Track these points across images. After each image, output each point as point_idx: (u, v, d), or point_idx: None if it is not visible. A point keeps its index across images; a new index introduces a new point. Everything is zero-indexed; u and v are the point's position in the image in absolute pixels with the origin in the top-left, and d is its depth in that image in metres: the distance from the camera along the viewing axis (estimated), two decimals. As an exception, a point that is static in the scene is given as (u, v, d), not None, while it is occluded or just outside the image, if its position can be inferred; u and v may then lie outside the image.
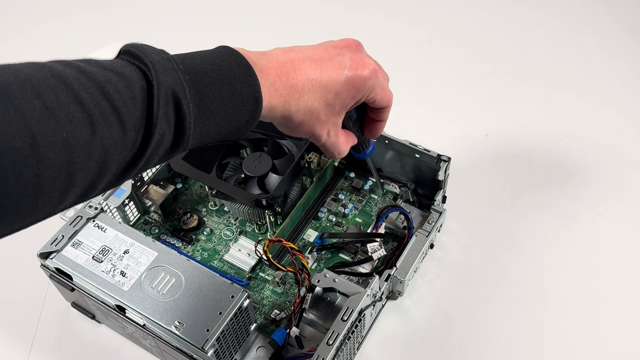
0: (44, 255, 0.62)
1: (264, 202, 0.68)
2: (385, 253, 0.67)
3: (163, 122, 0.39)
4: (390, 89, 0.55)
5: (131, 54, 0.40)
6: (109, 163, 0.37)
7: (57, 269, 0.61)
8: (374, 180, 0.76)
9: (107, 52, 0.41)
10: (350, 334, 0.58)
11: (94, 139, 0.35)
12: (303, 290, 0.63)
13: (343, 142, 0.55)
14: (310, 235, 0.73)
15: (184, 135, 0.40)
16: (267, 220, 0.71)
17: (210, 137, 0.43)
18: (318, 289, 0.62)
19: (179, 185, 0.77)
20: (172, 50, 0.43)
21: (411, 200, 0.74)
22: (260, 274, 0.70)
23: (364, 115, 0.57)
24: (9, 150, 0.31)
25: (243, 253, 0.71)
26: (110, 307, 0.59)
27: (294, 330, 0.61)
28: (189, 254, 0.71)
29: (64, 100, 0.34)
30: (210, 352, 0.56)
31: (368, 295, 0.60)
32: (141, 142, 0.38)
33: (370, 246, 0.67)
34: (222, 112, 0.43)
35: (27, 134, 0.32)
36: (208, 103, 0.42)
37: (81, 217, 0.64)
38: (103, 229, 0.63)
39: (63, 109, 0.34)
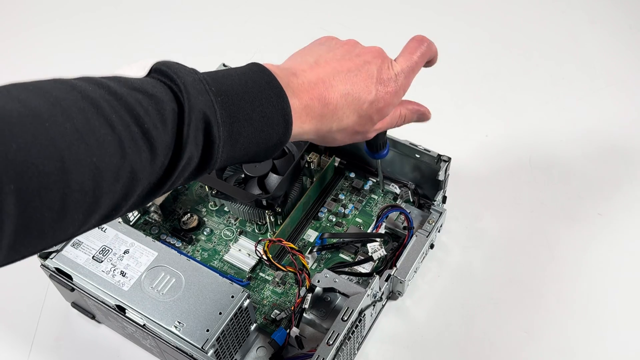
0: (44, 255, 0.62)
1: (264, 202, 0.68)
2: (385, 253, 0.67)
3: (192, 146, 0.38)
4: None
5: (163, 73, 0.39)
6: (136, 186, 0.36)
7: (57, 269, 0.61)
8: (377, 180, 0.76)
9: (138, 69, 0.40)
10: (350, 334, 0.58)
11: (123, 163, 0.34)
12: (303, 290, 0.63)
13: (393, 116, 0.55)
14: (310, 235, 0.73)
15: (212, 158, 0.40)
16: (267, 220, 0.71)
17: (237, 158, 0.43)
18: (318, 289, 0.62)
19: (179, 186, 0.77)
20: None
21: (411, 200, 0.74)
22: (260, 274, 0.70)
23: None
24: (38, 175, 0.30)
25: (243, 253, 0.71)
26: (110, 307, 0.59)
27: (294, 331, 0.61)
28: (189, 254, 0.71)
29: (95, 123, 0.33)
30: (211, 352, 0.56)
31: (368, 295, 0.60)
32: (168, 165, 0.38)
33: (370, 246, 0.67)
34: (251, 135, 0.42)
35: (57, 158, 0.31)
36: (238, 126, 0.41)
37: (81, 217, 0.64)
38: (103, 229, 0.63)
39: (94, 133, 0.33)
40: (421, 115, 0.61)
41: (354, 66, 0.50)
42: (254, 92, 0.42)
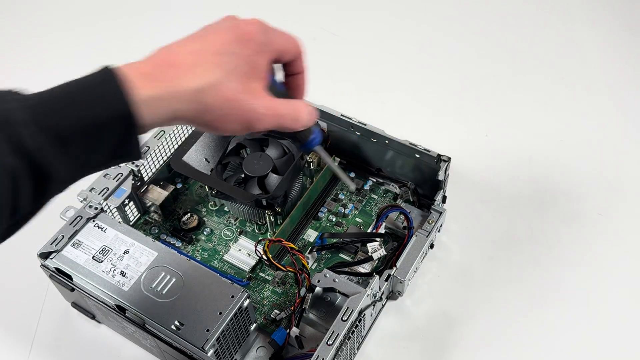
0: (44, 255, 0.62)
1: (264, 202, 0.68)
2: (385, 253, 0.67)
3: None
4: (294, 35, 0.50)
5: None
6: None
7: (57, 269, 0.61)
8: (334, 169, 0.57)
9: None
10: (350, 334, 0.58)
11: None
12: (303, 290, 0.63)
13: (284, 106, 0.45)
14: (310, 235, 0.73)
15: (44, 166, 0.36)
16: (267, 220, 0.71)
17: (92, 162, 0.39)
18: (318, 289, 0.62)
19: (179, 185, 0.77)
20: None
21: (411, 200, 0.74)
22: (260, 274, 0.70)
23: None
24: None
25: (243, 253, 0.71)
26: (110, 307, 0.59)
27: (294, 330, 0.61)
28: (189, 254, 0.71)
29: None
30: (210, 352, 0.56)
31: (368, 295, 0.60)
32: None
33: (370, 246, 0.67)
34: (84, 149, 0.38)
35: None
36: (59, 129, 0.36)
37: (81, 217, 0.64)
38: (103, 229, 0.63)
39: None
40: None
41: (203, 30, 0.46)
42: (78, 89, 0.38)
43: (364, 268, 0.68)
